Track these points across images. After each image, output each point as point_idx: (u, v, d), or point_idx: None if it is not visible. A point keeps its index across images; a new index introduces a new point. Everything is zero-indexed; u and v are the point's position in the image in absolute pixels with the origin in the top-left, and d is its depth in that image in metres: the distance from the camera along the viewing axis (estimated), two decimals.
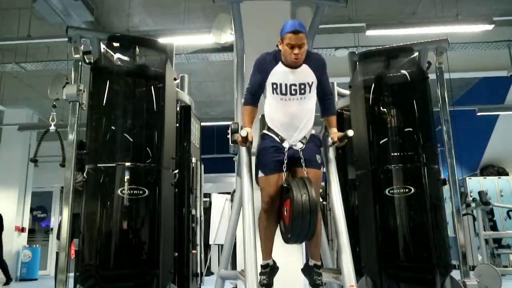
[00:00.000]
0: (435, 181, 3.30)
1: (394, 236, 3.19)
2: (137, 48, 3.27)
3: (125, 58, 3.24)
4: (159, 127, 3.16)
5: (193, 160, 3.88)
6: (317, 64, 2.51)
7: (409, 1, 6.55)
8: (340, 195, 2.53)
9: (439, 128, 3.51)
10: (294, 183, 2.25)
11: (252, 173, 2.54)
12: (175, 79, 3.47)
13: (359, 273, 2.95)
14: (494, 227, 7.67)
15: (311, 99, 2.50)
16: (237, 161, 3.07)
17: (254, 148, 2.62)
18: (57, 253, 2.97)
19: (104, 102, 3.12)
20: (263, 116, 2.61)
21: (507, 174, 10.00)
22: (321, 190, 3.84)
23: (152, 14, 6.67)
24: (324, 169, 2.67)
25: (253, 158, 2.59)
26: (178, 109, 3.53)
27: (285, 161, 2.37)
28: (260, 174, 2.46)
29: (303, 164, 2.37)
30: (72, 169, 2.99)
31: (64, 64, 6.69)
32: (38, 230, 11.67)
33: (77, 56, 3.18)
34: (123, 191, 2.92)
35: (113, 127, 3.10)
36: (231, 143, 2.64)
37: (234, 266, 4.45)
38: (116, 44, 3.27)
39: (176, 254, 3.24)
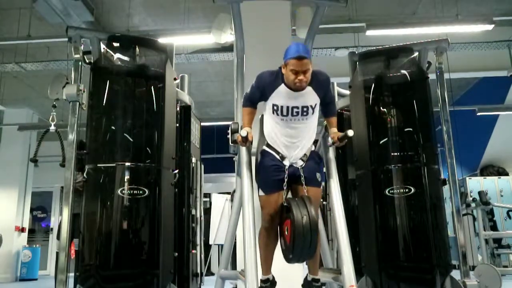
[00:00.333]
0: (435, 181, 3.29)
1: (394, 236, 3.18)
2: (137, 48, 3.27)
3: (125, 58, 3.23)
4: (159, 127, 3.16)
5: (193, 160, 3.88)
6: (321, 85, 2.43)
7: (409, 1, 6.54)
8: (340, 195, 2.53)
9: (439, 128, 3.51)
10: (295, 204, 2.23)
11: (252, 173, 2.53)
12: (175, 79, 3.46)
13: (359, 273, 2.94)
14: (494, 227, 7.66)
15: (313, 118, 2.46)
16: (237, 161, 3.07)
17: (254, 148, 2.62)
18: (57, 253, 2.97)
19: (104, 102, 3.12)
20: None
21: (507, 174, 9.99)
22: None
23: (152, 14, 6.66)
24: (324, 169, 2.68)
25: (253, 158, 2.59)
26: (178, 109, 3.53)
27: (286, 180, 2.36)
28: (261, 192, 2.44)
29: (303, 183, 2.36)
30: (72, 169, 2.99)
31: (64, 64, 6.68)
32: (38, 230, 11.66)
33: (77, 56, 3.18)
34: (123, 191, 2.92)
35: (113, 127, 3.09)
36: (231, 143, 2.64)
37: (234, 266, 4.45)
38: (116, 44, 3.27)
39: (176, 254, 3.24)
